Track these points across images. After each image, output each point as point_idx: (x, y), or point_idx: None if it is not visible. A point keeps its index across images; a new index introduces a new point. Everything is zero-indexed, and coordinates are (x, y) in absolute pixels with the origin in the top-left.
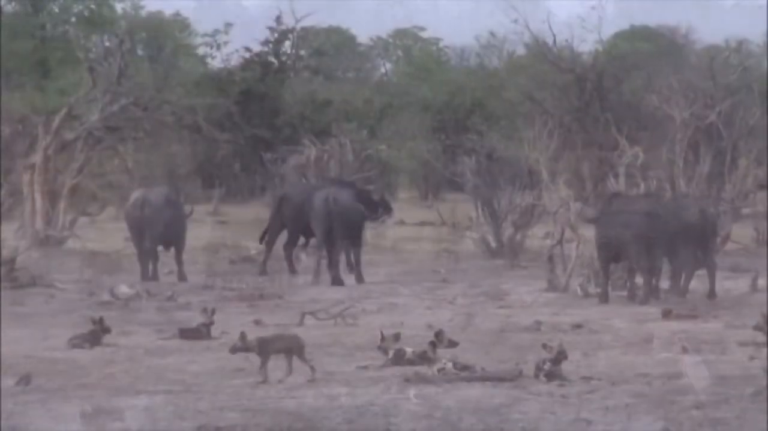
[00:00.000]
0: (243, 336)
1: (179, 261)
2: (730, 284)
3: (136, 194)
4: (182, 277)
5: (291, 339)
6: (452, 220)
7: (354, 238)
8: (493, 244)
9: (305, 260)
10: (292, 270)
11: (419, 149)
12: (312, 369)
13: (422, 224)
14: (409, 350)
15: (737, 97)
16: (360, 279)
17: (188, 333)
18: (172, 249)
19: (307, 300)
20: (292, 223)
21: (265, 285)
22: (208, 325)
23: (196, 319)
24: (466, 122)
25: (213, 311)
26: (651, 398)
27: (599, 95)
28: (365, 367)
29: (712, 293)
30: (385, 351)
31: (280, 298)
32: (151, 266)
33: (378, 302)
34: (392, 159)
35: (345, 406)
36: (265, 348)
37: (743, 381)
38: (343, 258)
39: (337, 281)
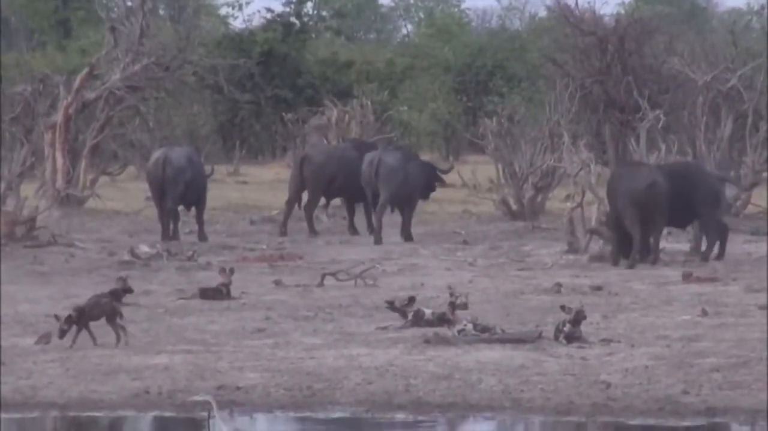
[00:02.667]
0: (59, 319)
1: (200, 221)
2: (750, 248)
3: (157, 154)
4: (203, 237)
5: (105, 305)
6: (473, 182)
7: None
8: (514, 206)
9: (326, 221)
10: (313, 231)
11: (440, 110)
12: (118, 337)
13: (443, 185)
14: (428, 311)
15: (759, 61)
16: (378, 240)
17: (208, 293)
18: (193, 209)
19: (327, 261)
20: (313, 184)
21: (286, 246)
22: (227, 285)
23: (216, 279)
24: (487, 84)
25: (232, 271)
26: (670, 360)
27: (621, 58)
28: (385, 328)
29: (704, 256)
30: (404, 314)
31: (301, 259)
32: (171, 226)
33: (398, 263)
34: (413, 120)
35: (364, 367)
36: (83, 317)
37: (763, 343)
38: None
39: (378, 240)
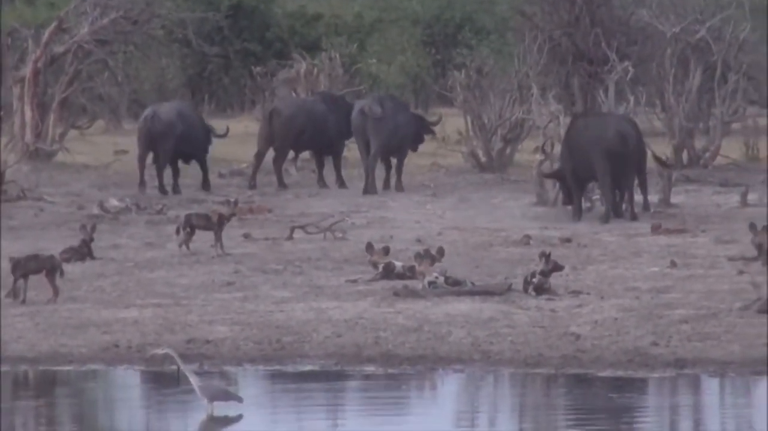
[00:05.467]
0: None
1: (204, 169)
2: (719, 199)
3: (147, 110)
4: (206, 185)
5: (46, 259)
6: (442, 134)
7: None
8: (483, 158)
9: (295, 174)
10: (282, 184)
11: (409, 63)
12: (55, 293)
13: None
14: (398, 264)
15: (727, 12)
16: (372, 190)
17: (69, 253)
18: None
19: (296, 214)
20: (281, 137)
21: (255, 199)
22: (89, 242)
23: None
24: (456, 36)
25: (93, 228)
26: (640, 312)
27: (589, 10)
28: (354, 281)
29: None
30: (375, 265)
31: (270, 212)
32: (172, 181)
33: (367, 216)
34: (382, 73)
35: (334, 319)
36: (17, 269)
37: (732, 295)
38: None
39: (371, 190)
